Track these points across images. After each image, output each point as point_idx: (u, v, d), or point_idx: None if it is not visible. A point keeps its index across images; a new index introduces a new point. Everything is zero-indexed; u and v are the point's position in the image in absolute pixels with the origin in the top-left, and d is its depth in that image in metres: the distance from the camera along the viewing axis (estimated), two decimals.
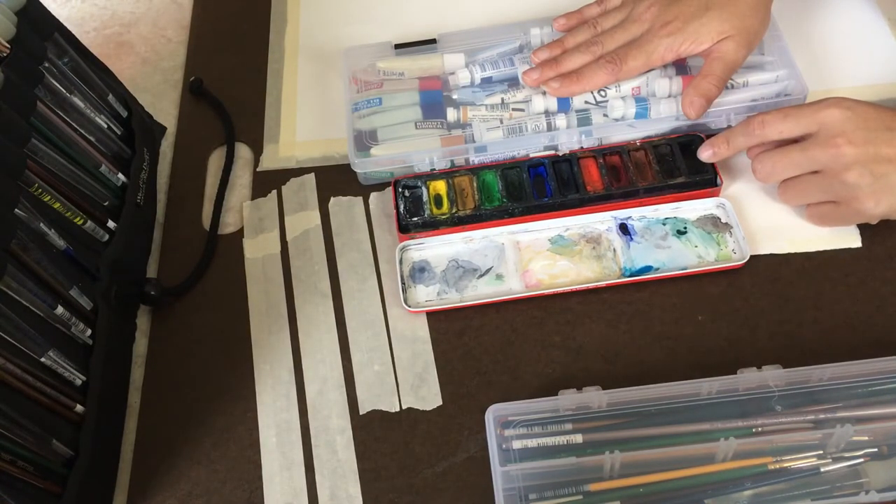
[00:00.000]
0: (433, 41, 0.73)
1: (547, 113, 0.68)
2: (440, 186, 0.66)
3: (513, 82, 0.70)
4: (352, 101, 0.70)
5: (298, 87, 0.76)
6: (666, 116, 0.66)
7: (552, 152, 0.67)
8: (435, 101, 0.70)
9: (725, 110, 0.66)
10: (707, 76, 0.64)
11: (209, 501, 0.56)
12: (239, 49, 0.80)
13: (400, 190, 0.66)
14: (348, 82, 0.71)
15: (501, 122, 0.67)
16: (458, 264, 0.63)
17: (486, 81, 0.71)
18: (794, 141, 0.61)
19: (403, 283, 0.62)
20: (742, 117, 0.65)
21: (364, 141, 0.68)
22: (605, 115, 0.67)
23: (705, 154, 0.64)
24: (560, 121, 0.67)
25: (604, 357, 0.58)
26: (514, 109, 0.68)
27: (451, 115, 0.68)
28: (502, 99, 0.69)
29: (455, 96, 0.70)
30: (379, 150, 0.67)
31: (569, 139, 0.66)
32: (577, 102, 0.67)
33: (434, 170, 0.67)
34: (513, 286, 0.62)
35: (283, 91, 0.76)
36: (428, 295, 0.62)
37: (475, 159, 0.67)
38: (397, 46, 0.73)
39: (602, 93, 0.67)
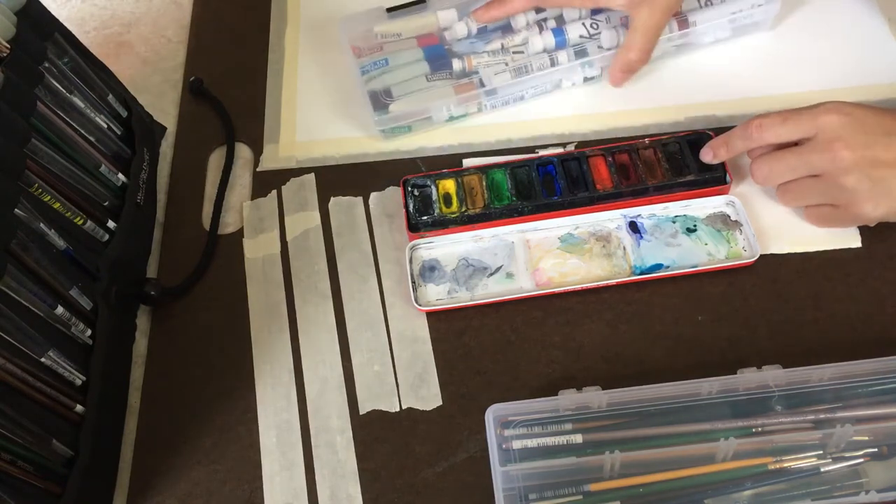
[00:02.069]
0: (423, 0, 0.75)
1: (546, 50, 0.70)
2: (449, 185, 0.66)
3: (506, 28, 0.73)
4: (359, 64, 0.71)
5: (298, 87, 0.76)
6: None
7: (561, 150, 0.67)
8: (439, 54, 0.72)
9: (708, 27, 0.70)
10: (630, 49, 0.68)
11: (209, 501, 0.56)
12: (239, 49, 0.80)
13: (409, 189, 0.66)
14: (349, 52, 0.73)
15: (507, 65, 0.70)
16: (469, 263, 0.63)
17: (482, 31, 0.73)
18: (794, 143, 0.61)
19: (414, 283, 0.62)
20: (725, 33, 0.71)
21: (380, 99, 0.70)
22: (600, 47, 0.70)
23: (706, 157, 0.64)
24: (562, 56, 0.69)
25: (604, 357, 0.58)
26: (514, 52, 0.71)
27: (457, 65, 0.71)
28: (501, 44, 0.71)
29: (455, 49, 0.72)
30: (397, 105, 0.69)
31: (572, 73, 0.70)
32: (573, 37, 0.70)
33: (452, 117, 0.70)
34: (524, 285, 0.62)
35: (283, 91, 0.76)
36: (438, 294, 0.62)
37: (488, 103, 0.70)
38: (389, 10, 0.74)
39: (594, 25, 0.70)
